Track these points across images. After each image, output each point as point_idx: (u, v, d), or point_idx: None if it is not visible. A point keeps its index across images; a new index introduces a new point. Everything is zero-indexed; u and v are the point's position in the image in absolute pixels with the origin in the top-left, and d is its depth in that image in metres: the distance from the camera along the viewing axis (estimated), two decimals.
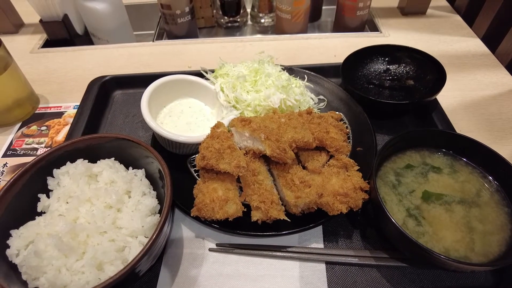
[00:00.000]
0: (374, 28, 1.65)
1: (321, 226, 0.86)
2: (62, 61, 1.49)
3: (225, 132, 0.84)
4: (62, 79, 1.40)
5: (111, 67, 1.45)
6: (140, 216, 0.80)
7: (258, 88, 0.98)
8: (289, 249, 0.82)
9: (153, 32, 1.72)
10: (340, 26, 1.63)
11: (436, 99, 1.18)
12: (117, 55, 1.51)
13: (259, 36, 1.66)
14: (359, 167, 0.87)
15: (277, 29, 1.60)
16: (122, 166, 0.90)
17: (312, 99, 1.11)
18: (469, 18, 1.66)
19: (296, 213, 0.81)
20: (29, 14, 1.65)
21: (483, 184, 0.84)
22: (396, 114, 1.19)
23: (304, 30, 1.58)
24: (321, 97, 1.15)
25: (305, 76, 1.15)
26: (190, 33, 1.60)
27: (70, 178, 0.84)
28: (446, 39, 1.55)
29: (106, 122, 1.20)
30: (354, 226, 0.88)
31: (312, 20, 1.78)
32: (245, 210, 0.79)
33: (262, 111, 0.97)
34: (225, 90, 0.98)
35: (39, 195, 0.82)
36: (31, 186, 0.82)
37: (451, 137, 0.90)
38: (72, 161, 0.87)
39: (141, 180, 0.88)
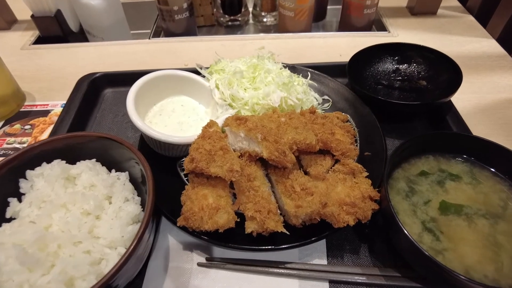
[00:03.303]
0: (381, 28, 1.58)
1: (324, 239, 0.76)
2: (53, 58, 1.42)
3: (218, 132, 0.75)
4: (51, 76, 1.33)
5: (105, 65, 1.38)
6: (120, 224, 0.71)
7: (256, 86, 0.89)
8: (288, 265, 0.74)
9: (150, 31, 1.66)
10: (346, 25, 1.55)
11: (450, 101, 1.08)
12: (112, 53, 1.45)
13: (260, 34, 1.58)
14: (368, 174, 0.77)
15: (280, 27, 1.53)
16: (104, 168, 0.82)
17: (316, 99, 1.03)
18: (483, 18, 1.57)
19: (296, 225, 0.71)
20: (22, 10, 1.60)
21: (509, 195, 0.74)
22: (407, 116, 1.10)
23: (308, 29, 1.51)
24: (326, 97, 1.07)
25: (309, 73, 1.06)
26: (189, 31, 1.53)
27: (44, 181, 0.75)
28: (459, 40, 1.46)
29: (94, 122, 1.13)
30: (362, 240, 0.80)
31: (316, 20, 1.71)
32: (239, 220, 0.70)
33: (261, 111, 0.88)
34: (220, 87, 0.90)
35: (9, 199, 0.74)
36: (0, 189, 0.73)
37: (471, 141, 0.81)
38: (49, 161, 0.79)
39: (124, 184, 0.79)
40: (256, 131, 0.71)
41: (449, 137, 0.83)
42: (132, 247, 0.63)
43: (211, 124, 0.77)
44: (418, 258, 0.64)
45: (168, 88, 0.96)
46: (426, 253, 0.62)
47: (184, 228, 0.73)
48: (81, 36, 1.66)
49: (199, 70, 1.01)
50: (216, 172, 0.68)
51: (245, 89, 0.89)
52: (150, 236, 0.73)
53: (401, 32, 1.52)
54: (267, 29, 1.69)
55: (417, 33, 1.52)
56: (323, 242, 0.78)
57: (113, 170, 0.83)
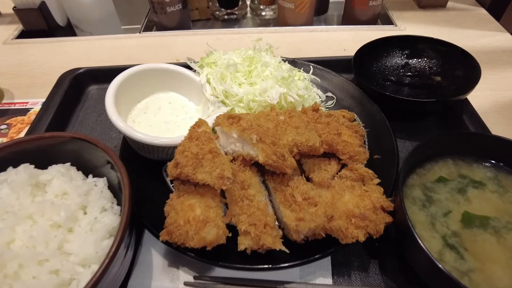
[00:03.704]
0: (387, 21, 1.49)
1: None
2: (36, 53, 1.33)
3: (207, 133, 0.65)
4: (34, 72, 1.24)
5: (92, 61, 1.29)
6: (95, 238, 0.64)
7: (252, 80, 0.80)
8: (288, 286, 0.66)
9: (141, 25, 1.56)
10: (349, 19, 1.45)
11: (466, 98, 0.99)
12: (99, 48, 1.36)
13: (259, 28, 1.49)
14: (379, 180, 0.68)
15: (280, 21, 1.43)
16: (79, 173, 0.73)
17: (319, 96, 0.93)
18: (496, 12, 1.48)
19: (297, 241, 0.62)
20: (7, 3, 1.50)
21: None
22: (418, 115, 1.01)
23: (309, 23, 1.41)
24: (329, 94, 0.97)
25: (311, 67, 0.96)
26: (182, 25, 1.43)
27: (9, 188, 0.66)
28: (471, 34, 1.37)
29: (76, 121, 1.04)
30: (372, 255, 0.72)
31: (318, 14, 1.62)
32: (230, 235, 0.60)
33: (257, 108, 0.79)
34: (212, 81, 0.80)
35: None
36: None
37: (496, 143, 0.72)
38: (16, 166, 0.70)
39: (101, 191, 0.71)
40: (251, 132, 0.61)
41: (470, 138, 0.74)
42: (103, 266, 0.54)
43: (200, 123, 0.68)
44: (439, 280, 0.56)
45: (155, 84, 0.87)
46: (450, 275, 0.53)
47: (168, 243, 0.63)
48: (69, 30, 1.57)
49: (189, 63, 0.91)
50: (203, 179, 0.59)
51: (239, 84, 0.80)
52: (129, 252, 0.64)
53: (409, 26, 1.43)
54: (265, 23, 1.60)
55: (426, 27, 1.43)
56: (327, 259, 0.69)
57: (90, 176, 0.74)
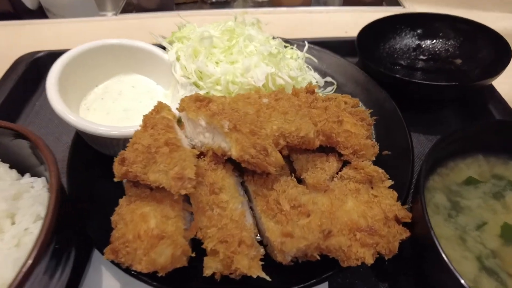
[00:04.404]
0: (393, 2, 1.35)
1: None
2: None
3: (166, 119, 0.50)
4: None
5: (60, 45, 1.13)
6: (19, 257, 0.52)
7: (233, 58, 0.65)
8: None
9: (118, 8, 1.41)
10: (351, 0, 1.30)
11: (491, 85, 0.84)
12: (70, 31, 1.22)
13: (250, 9, 1.34)
14: (392, 182, 0.52)
15: (274, 1, 1.29)
16: (12, 172, 0.60)
17: (316, 80, 0.77)
18: None
19: (283, 263, 0.46)
20: None
21: None
22: (434, 104, 0.86)
23: (306, 3, 1.27)
24: (329, 79, 0.82)
25: (306, 43, 0.81)
26: (164, 7, 1.29)
27: None
28: (488, 16, 1.24)
29: (31, 111, 0.91)
30: (380, 277, 0.58)
31: None
32: (194, 255, 0.45)
33: (238, 92, 0.63)
34: (182, 59, 0.65)
35: None
36: None
37: None
38: None
39: (39, 195, 0.56)
40: (222, 117, 0.46)
41: (507, 129, 0.58)
42: None
43: (159, 108, 0.52)
44: None
45: (116, 64, 0.73)
46: None
47: (115, 263, 0.48)
48: (40, 15, 1.43)
49: (158, 40, 0.75)
50: (157, 180, 0.44)
51: (216, 62, 0.65)
52: (57, 275, 0.49)
53: (419, 7, 1.32)
54: (258, 6, 1.44)
55: (437, 9, 1.29)
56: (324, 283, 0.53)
57: (28, 175, 0.59)
